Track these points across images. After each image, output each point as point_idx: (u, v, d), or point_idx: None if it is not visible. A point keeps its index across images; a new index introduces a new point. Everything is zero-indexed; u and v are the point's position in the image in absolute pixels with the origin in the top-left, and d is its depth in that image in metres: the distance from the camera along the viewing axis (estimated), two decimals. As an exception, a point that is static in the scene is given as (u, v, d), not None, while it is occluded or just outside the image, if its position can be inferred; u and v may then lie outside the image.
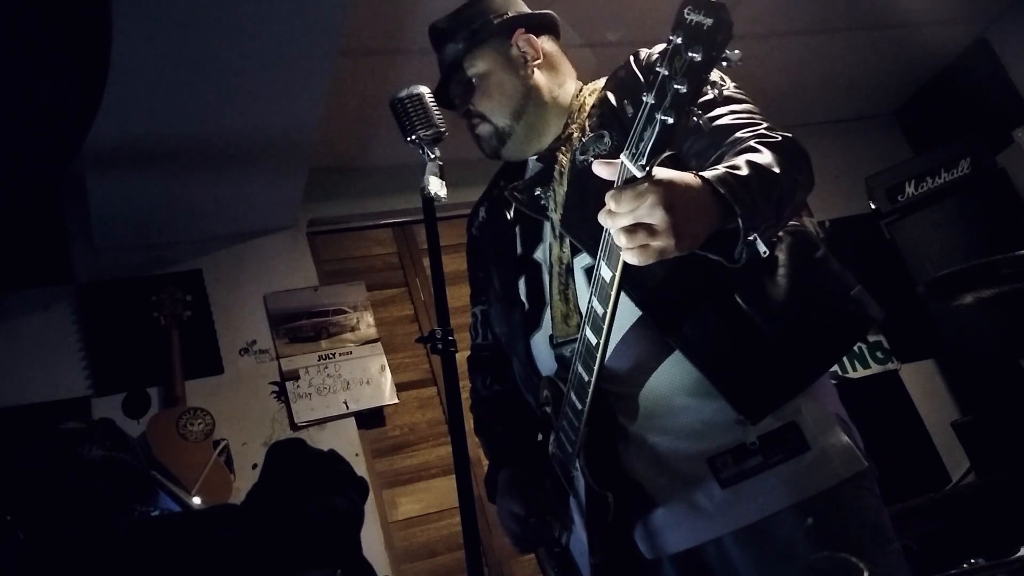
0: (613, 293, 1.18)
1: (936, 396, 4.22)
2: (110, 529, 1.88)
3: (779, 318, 1.36)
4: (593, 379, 1.29)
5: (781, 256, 1.42)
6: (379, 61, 3.21)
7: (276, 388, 3.36)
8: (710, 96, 1.37)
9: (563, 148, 1.57)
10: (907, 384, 4.19)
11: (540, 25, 1.70)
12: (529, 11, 1.70)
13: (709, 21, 0.95)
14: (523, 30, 1.66)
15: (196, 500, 2.78)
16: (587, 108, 1.59)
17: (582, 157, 1.50)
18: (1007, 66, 4.25)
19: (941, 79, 4.60)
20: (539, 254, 1.58)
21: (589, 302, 1.25)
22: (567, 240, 1.49)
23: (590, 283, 1.40)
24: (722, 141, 1.33)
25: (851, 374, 4.09)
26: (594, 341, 1.26)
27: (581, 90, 1.66)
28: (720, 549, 1.37)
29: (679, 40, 0.97)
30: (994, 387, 3.91)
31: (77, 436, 2.26)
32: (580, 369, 1.32)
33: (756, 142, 1.26)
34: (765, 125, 1.33)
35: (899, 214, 3.91)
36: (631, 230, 1.07)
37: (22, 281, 3.19)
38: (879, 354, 4.21)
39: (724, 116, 1.36)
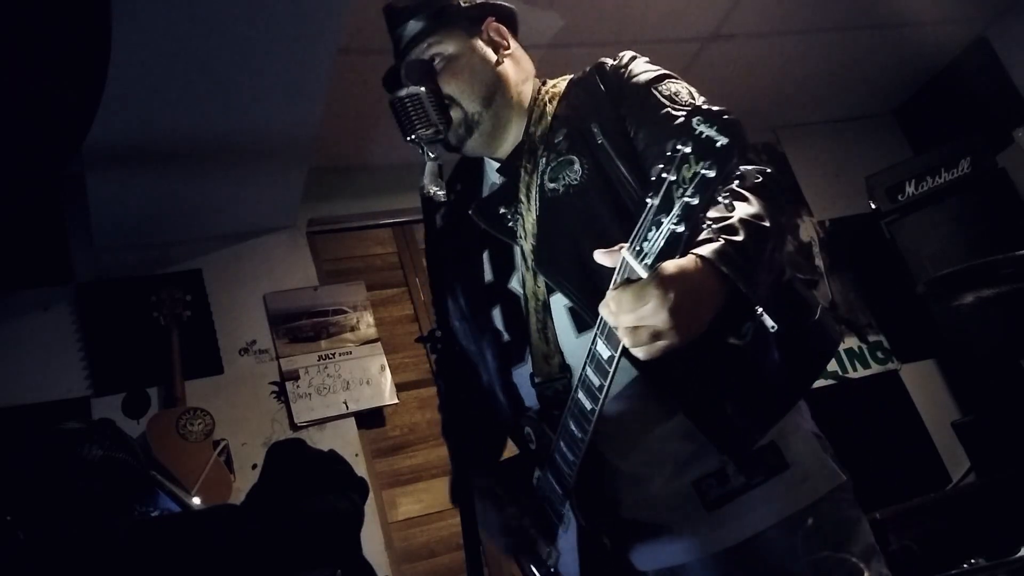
0: (612, 370, 1.14)
1: (936, 396, 4.22)
2: (110, 529, 1.88)
3: (753, 361, 1.33)
4: (587, 437, 1.27)
5: None
6: (379, 61, 3.19)
7: (276, 388, 3.36)
8: (648, 78, 1.39)
9: (526, 165, 1.50)
10: (907, 384, 4.19)
11: (507, 18, 1.63)
12: (496, 2, 1.63)
13: (724, 140, 0.90)
14: (493, 18, 1.60)
15: (196, 500, 2.78)
16: (548, 116, 1.53)
17: (552, 185, 1.44)
18: (1007, 66, 4.26)
19: (941, 79, 4.60)
20: (515, 284, 1.51)
21: (583, 369, 1.20)
22: (541, 275, 1.44)
23: (572, 322, 1.38)
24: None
25: (851, 374, 4.08)
26: (588, 406, 1.23)
27: (540, 91, 1.59)
28: (703, 569, 1.38)
29: (687, 150, 0.92)
30: (994, 387, 3.91)
31: (77, 436, 2.26)
32: (572, 426, 1.30)
33: (740, 186, 1.21)
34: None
35: (899, 214, 3.90)
36: (635, 331, 1.04)
37: (22, 281, 3.19)
38: (879, 354, 4.20)
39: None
